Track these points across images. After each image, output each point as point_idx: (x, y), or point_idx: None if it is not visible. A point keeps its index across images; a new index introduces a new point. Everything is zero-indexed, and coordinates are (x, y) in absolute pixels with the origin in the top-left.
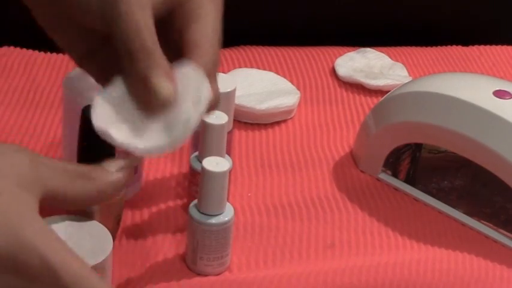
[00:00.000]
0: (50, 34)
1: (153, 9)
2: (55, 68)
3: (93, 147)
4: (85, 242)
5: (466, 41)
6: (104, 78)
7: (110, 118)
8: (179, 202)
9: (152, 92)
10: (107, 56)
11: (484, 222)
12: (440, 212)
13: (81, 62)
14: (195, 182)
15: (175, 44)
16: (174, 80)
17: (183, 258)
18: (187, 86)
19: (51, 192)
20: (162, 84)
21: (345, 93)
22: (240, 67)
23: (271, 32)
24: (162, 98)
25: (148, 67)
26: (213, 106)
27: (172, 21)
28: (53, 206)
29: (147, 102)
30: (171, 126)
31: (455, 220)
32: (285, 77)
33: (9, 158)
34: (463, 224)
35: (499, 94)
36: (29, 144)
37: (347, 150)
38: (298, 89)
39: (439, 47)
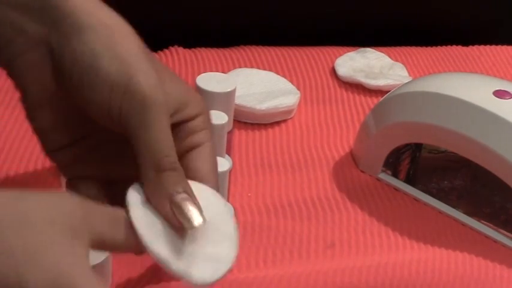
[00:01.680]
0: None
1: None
2: None
3: None
4: None
5: (466, 41)
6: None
7: (149, 227)
8: None
9: (183, 218)
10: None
11: (484, 222)
12: (440, 212)
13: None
14: None
15: None
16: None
17: None
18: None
19: (101, 237)
20: (193, 213)
21: (345, 93)
22: (240, 67)
23: (271, 32)
24: (193, 226)
25: (176, 183)
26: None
27: (177, 137)
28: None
29: (176, 223)
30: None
31: (455, 220)
32: (285, 77)
33: (60, 206)
34: (463, 224)
35: (499, 94)
36: (29, 144)
37: (347, 150)
38: (298, 89)
39: (439, 47)
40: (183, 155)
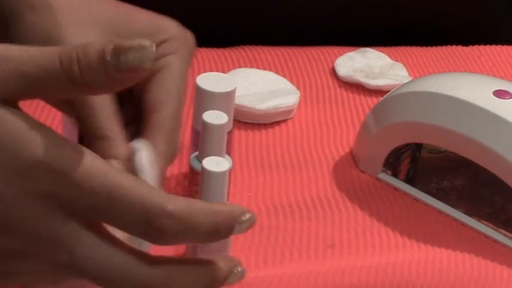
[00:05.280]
0: None
1: None
2: None
3: None
4: None
5: (466, 41)
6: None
7: None
8: None
9: None
10: None
11: (484, 222)
12: (440, 212)
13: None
14: (195, 182)
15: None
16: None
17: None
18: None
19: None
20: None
21: (345, 93)
22: (240, 67)
23: (271, 32)
24: None
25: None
26: (169, 162)
27: None
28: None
29: None
30: None
31: (455, 220)
32: (285, 77)
33: None
34: (463, 224)
35: (499, 94)
36: None
37: (347, 150)
38: (298, 89)
39: (439, 47)
40: (146, 81)
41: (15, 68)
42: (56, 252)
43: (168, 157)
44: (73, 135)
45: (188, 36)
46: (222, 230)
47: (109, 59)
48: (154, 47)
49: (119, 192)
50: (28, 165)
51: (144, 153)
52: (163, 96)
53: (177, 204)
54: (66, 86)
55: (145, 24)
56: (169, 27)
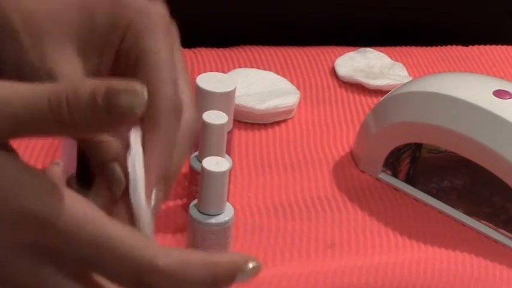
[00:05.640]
0: None
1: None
2: None
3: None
4: None
5: (466, 41)
6: None
7: None
8: (179, 202)
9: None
10: None
11: (484, 222)
12: (440, 212)
13: None
14: (195, 182)
15: (126, 55)
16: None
17: None
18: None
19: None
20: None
21: (345, 93)
22: (240, 67)
23: (271, 32)
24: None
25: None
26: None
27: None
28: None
29: None
30: None
31: (455, 220)
32: (285, 77)
33: None
34: (463, 224)
35: (499, 94)
36: (29, 143)
37: (347, 150)
38: (298, 89)
39: (439, 47)
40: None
41: (2, 110)
42: None
43: (167, 147)
44: (73, 148)
45: (156, 7)
46: (220, 281)
47: (100, 102)
48: (146, 93)
49: (108, 244)
50: (16, 215)
51: (137, 153)
52: (152, 80)
53: (170, 258)
54: (54, 128)
55: (104, 16)
56: (131, 6)
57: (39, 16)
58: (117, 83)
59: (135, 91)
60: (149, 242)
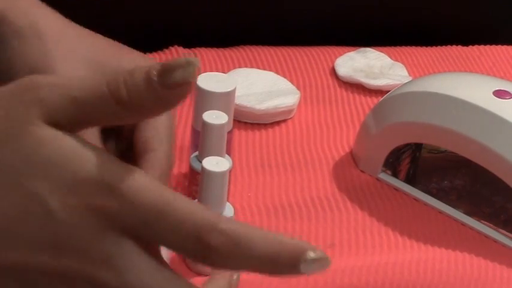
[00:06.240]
0: None
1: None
2: None
3: None
4: None
5: (466, 41)
6: None
7: None
8: None
9: None
10: None
11: (484, 222)
12: (440, 212)
13: None
14: (195, 182)
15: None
16: None
17: (183, 258)
18: None
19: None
20: None
21: (345, 93)
22: (240, 67)
23: (271, 32)
24: None
25: None
26: None
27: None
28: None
29: None
30: None
31: (455, 220)
32: (285, 77)
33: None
34: (463, 224)
35: (499, 94)
36: None
37: (347, 150)
38: (298, 89)
39: (439, 47)
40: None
41: (65, 94)
42: (106, 273)
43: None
44: None
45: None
46: (283, 259)
47: (155, 78)
48: (198, 62)
49: (169, 207)
50: (80, 180)
51: None
52: (156, 136)
53: (232, 223)
54: (115, 110)
55: (128, 64)
56: None
57: (70, 37)
58: (170, 61)
59: (188, 62)
60: (209, 209)
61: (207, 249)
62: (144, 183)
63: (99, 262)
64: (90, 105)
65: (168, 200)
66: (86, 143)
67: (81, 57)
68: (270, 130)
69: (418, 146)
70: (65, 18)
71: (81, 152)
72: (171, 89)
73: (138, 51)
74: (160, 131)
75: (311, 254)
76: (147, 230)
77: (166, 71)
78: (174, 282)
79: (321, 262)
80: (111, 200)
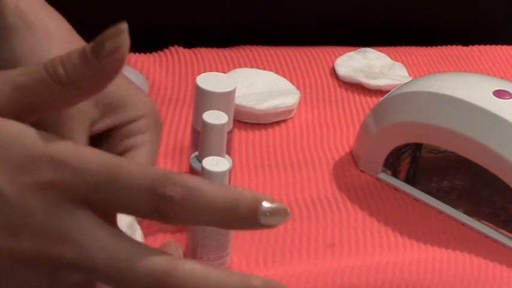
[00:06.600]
0: None
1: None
2: None
3: None
4: None
5: (466, 41)
6: None
7: None
8: None
9: None
10: None
11: (484, 222)
12: (440, 212)
13: None
14: None
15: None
16: None
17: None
18: None
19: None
20: None
21: (345, 93)
22: (240, 67)
23: (271, 32)
24: None
25: None
26: None
27: (112, 140)
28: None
29: None
30: None
31: (455, 220)
32: (285, 77)
33: None
34: (463, 224)
35: (499, 94)
36: None
37: (347, 150)
38: (298, 89)
39: (439, 47)
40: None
41: (7, 80)
42: (66, 248)
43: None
44: None
45: (157, 115)
46: (242, 209)
47: (89, 54)
48: (127, 30)
49: (119, 168)
50: (28, 158)
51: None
52: (134, 137)
53: (187, 176)
54: (56, 90)
55: (121, 95)
56: (141, 103)
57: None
58: (101, 35)
59: (118, 31)
60: (160, 168)
61: (162, 201)
62: (90, 151)
63: (58, 238)
64: (31, 89)
65: (116, 161)
66: (29, 126)
67: None
68: (270, 130)
69: (418, 146)
70: (62, 20)
71: (24, 132)
72: (106, 59)
73: (129, 84)
74: (140, 130)
75: (267, 204)
76: (100, 195)
77: (98, 43)
78: (136, 248)
79: (280, 213)
80: (58, 172)
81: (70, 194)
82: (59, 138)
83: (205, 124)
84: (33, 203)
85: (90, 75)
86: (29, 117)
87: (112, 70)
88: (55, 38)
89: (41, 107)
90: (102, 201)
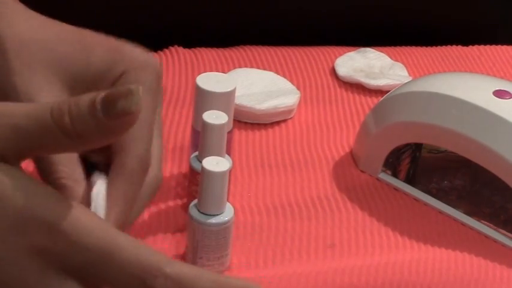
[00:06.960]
0: None
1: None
2: None
3: None
4: None
5: (466, 41)
6: None
7: None
8: (179, 202)
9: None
10: None
11: (484, 222)
12: (440, 212)
13: None
14: (195, 182)
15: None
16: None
17: (183, 258)
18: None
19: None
20: None
21: (345, 93)
22: (240, 67)
23: (271, 32)
24: None
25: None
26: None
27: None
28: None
29: None
30: None
31: (455, 220)
32: (285, 77)
33: None
34: (463, 224)
35: (499, 94)
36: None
37: (347, 150)
38: (298, 89)
39: (439, 47)
40: None
41: (8, 122)
42: None
43: (128, 198)
44: None
45: (152, 62)
46: None
47: (99, 108)
48: (140, 91)
49: (114, 249)
50: (23, 220)
51: (100, 190)
52: (128, 136)
53: (177, 266)
54: (59, 139)
55: (101, 58)
56: (128, 56)
57: (32, 44)
58: (114, 90)
59: (130, 92)
60: (155, 251)
61: None
62: (91, 224)
63: None
64: (34, 134)
65: (112, 241)
66: (31, 182)
67: (44, 65)
68: (270, 130)
69: (418, 146)
70: (35, 16)
71: (22, 188)
72: (114, 120)
73: (115, 42)
74: (136, 130)
75: None
76: (92, 271)
77: (109, 101)
78: None
79: None
80: (54, 241)
81: (61, 264)
82: (60, 201)
83: (205, 124)
84: (23, 264)
85: (97, 131)
86: (27, 157)
87: (120, 130)
88: (16, 58)
89: (40, 151)
90: (91, 277)
